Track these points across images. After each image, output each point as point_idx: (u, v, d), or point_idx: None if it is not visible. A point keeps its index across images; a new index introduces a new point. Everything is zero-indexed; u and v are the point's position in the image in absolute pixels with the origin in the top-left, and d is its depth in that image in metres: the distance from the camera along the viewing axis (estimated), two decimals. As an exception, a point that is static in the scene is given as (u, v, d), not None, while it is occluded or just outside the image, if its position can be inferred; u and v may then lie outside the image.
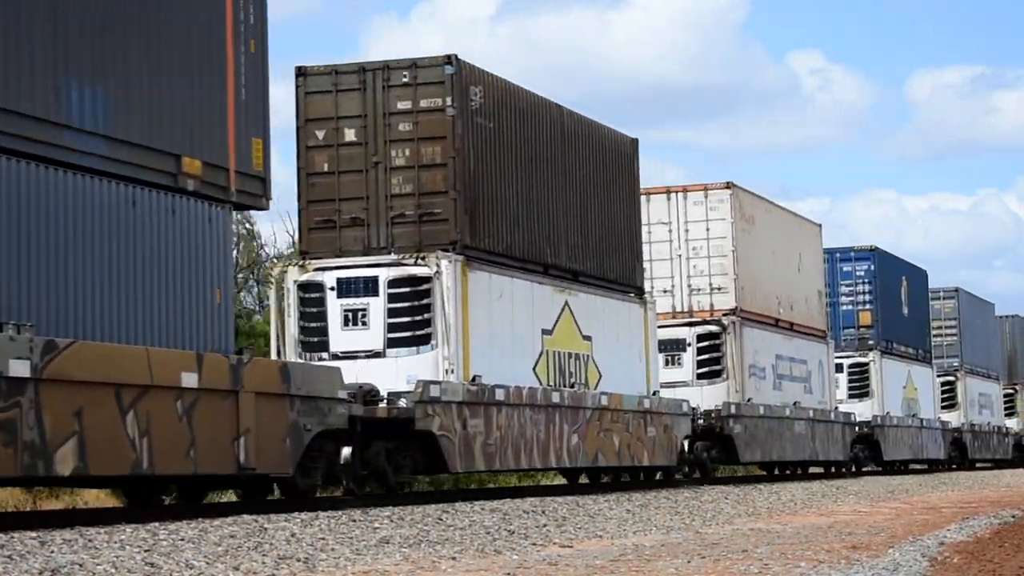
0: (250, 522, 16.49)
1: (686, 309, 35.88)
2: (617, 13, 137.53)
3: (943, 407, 56.81)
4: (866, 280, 49.26)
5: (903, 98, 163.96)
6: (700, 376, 35.30)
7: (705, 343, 35.39)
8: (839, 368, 46.08)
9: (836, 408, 43.33)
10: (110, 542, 13.97)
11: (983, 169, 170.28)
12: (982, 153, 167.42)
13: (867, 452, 46.97)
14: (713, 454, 35.50)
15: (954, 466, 56.37)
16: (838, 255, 48.37)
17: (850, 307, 48.52)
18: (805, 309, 41.08)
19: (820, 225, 43.60)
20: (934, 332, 56.10)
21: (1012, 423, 66.19)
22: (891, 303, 50.28)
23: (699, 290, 35.93)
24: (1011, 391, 66.67)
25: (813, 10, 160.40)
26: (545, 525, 18.38)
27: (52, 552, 13.04)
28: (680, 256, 36.12)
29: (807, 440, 39.81)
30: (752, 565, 13.40)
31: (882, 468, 49.91)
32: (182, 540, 14.38)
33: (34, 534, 14.27)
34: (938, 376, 56.08)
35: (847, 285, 49.03)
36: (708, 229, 35.89)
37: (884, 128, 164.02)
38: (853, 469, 46.60)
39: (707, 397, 34.92)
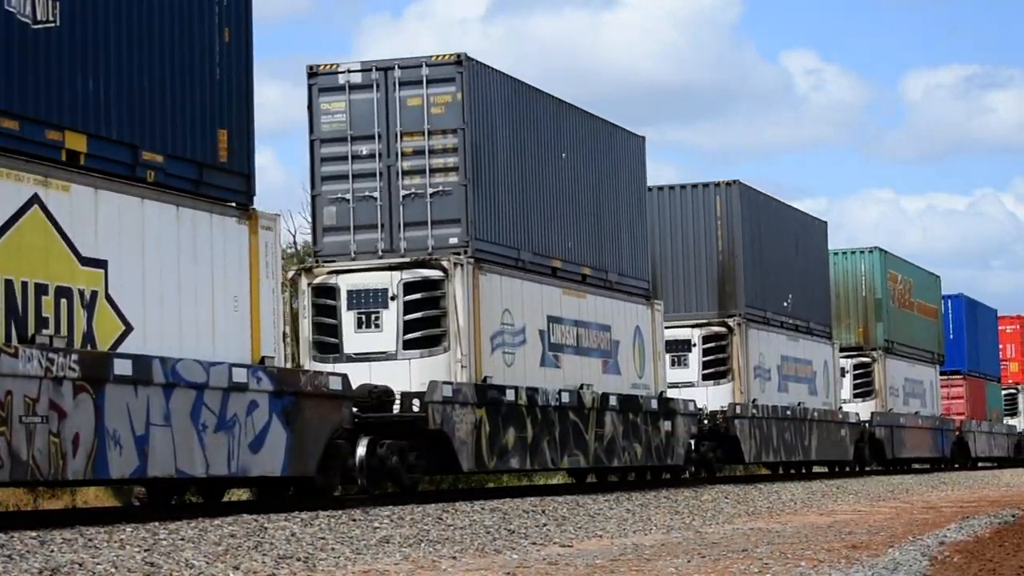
0: (250, 522, 16.49)
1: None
2: (610, 13, 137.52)
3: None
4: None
5: (897, 98, 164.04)
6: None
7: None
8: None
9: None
10: (110, 542, 13.97)
11: (980, 169, 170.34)
12: (978, 153, 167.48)
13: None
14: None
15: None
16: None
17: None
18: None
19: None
20: None
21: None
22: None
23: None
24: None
25: (805, 10, 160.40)
26: (545, 525, 18.37)
27: (52, 552, 13.04)
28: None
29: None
30: (752, 565, 13.40)
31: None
32: (182, 540, 14.38)
33: (34, 534, 14.27)
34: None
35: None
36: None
37: (879, 128, 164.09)
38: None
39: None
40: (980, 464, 61.20)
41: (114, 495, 27.87)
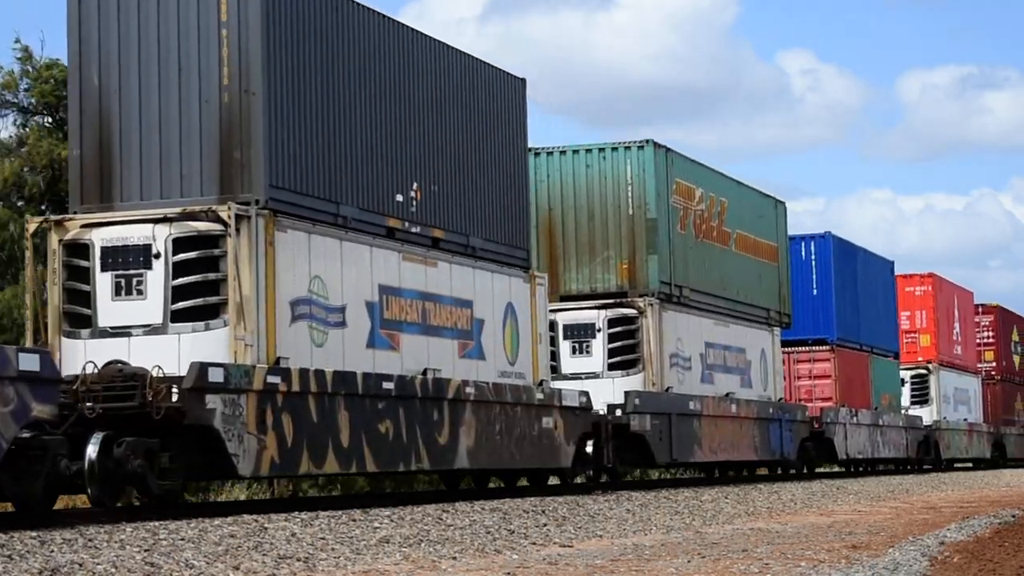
0: (250, 522, 16.50)
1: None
2: (605, 14, 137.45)
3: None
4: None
5: (894, 98, 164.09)
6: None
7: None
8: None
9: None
10: (110, 542, 13.97)
11: (977, 169, 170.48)
12: (975, 153, 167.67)
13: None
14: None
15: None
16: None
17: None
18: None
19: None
20: None
21: None
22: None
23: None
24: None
25: (801, 10, 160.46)
26: (545, 525, 18.37)
27: (52, 552, 13.04)
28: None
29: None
30: (752, 565, 13.40)
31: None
32: (182, 540, 14.38)
33: (34, 534, 14.28)
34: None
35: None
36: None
37: (875, 128, 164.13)
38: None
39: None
40: (857, 470, 47.05)
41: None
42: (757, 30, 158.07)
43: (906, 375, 51.27)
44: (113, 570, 12.11)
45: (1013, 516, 20.96)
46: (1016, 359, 65.58)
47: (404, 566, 13.27)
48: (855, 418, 43.03)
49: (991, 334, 62.10)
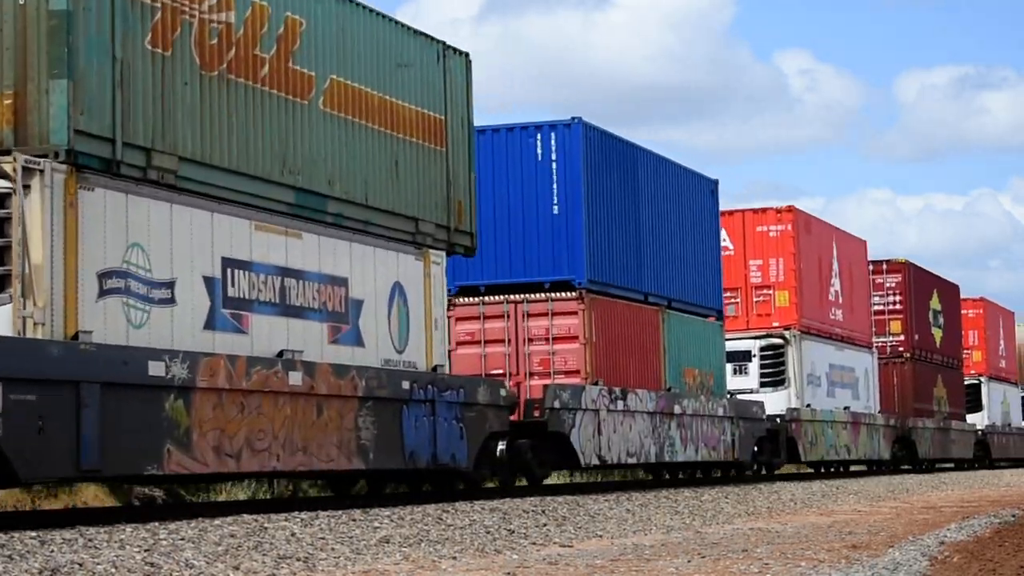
0: (250, 522, 16.50)
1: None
2: (602, 14, 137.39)
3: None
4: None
5: (892, 98, 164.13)
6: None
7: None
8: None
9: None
10: (110, 542, 13.97)
11: (977, 169, 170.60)
12: (973, 153, 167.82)
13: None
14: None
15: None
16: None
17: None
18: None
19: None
20: None
21: None
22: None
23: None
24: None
25: (798, 11, 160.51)
26: (545, 525, 18.37)
27: (52, 552, 13.04)
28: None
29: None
30: (752, 565, 13.40)
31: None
32: (182, 540, 14.38)
33: (34, 534, 14.28)
34: None
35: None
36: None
37: (874, 128, 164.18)
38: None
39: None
40: (610, 482, 35.36)
41: (113, 495, 27.84)
42: (754, 30, 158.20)
43: (755, 346, 39.17)
44: (113, 570, 12.11)
45: (1013, 516, 20.96)
46: (937, 333, 52.76)
47: (404, 566, 13.27)
48: (619, 403, 29.44)
49: (898, 299, 49.54)
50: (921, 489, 34.12)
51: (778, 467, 39.78)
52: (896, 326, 49.02)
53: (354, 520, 17.47)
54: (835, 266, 42.98)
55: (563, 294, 28.50)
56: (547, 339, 28.46)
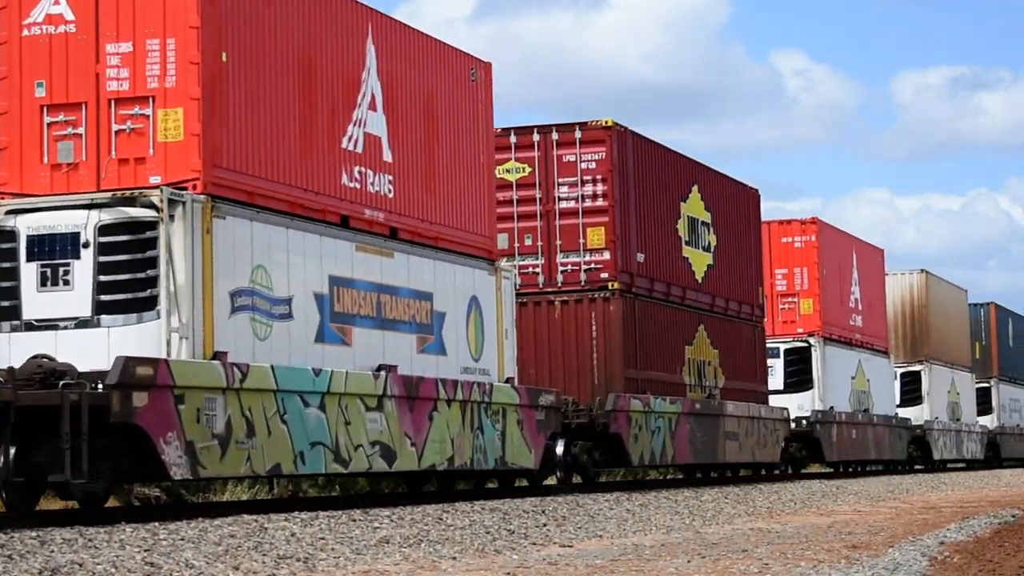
0: (250, 522, 16.50)
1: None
2: (597, 14, 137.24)
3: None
4: None
5: (888, 99, 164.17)
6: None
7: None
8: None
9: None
10: (110, 542, 13.97)
11: (974, 169, 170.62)
12: (971, 154, 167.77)
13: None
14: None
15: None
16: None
17: None
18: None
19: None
20: None
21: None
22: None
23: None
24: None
25: (794, 10, 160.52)
26: (545, 525, 18.37)
27: (52, 552, 13.04)
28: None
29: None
30: (752, 565, 13.39)
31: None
32: (182, 540, 14.38)
33: (34, 534, 14.28)
34: None
35: None
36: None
37: (870, 129, 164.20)
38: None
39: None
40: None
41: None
42: (749, 30, 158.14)
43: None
44: (113, 570, 12.10)
45: (1013, 516, 20.96)
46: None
47: (404, 566, 13.27)
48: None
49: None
50: (921, 489, 34.11)
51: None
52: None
53: (354, 520, 17.47)
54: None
55: None
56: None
